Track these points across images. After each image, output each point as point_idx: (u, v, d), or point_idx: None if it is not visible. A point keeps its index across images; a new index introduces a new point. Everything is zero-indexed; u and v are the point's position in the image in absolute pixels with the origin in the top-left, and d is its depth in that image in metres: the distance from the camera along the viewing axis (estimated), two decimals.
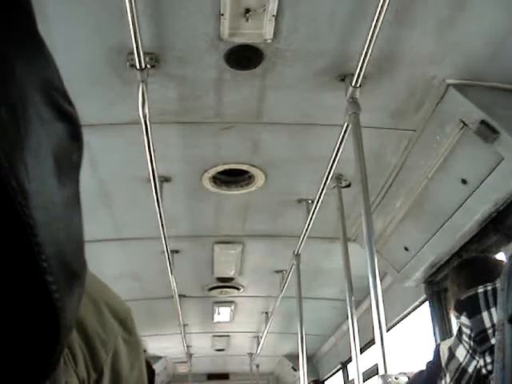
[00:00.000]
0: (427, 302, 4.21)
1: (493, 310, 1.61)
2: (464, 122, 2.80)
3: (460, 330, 1.75)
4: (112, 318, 0.90)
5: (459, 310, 1.75)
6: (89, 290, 0.85)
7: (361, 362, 3.46)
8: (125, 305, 0.98)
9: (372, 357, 5.22)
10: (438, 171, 3.17)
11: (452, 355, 1.77)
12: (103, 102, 2.92)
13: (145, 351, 2.20)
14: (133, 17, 2.18)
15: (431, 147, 3.10)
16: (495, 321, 1.57)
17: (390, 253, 4.12)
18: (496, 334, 1.34)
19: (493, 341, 1.54)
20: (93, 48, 2.57)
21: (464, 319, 1.71)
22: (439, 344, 2.62)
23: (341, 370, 7.16)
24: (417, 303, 4.56)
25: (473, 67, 2.76)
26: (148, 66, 2.57)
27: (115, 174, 3.64)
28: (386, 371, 2.37)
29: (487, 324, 1.61)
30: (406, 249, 3.92)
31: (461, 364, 1.69)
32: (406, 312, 4.81)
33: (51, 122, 0.46)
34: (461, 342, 1.72)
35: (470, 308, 1.70)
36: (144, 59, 2.48)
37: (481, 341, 1.61)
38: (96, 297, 0.88)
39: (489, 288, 1.67)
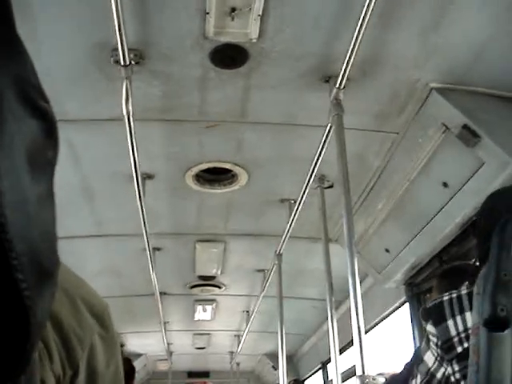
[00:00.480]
0: (407, 303, 4.24)
1: (458, 318, 1.60)
2: (446, 126, 2.82)
3: (427, 337, 1.74)
4: (88, 314, 0.90)
5: (425, 318, 1.75)
6: (65, 286, 0.85)
7: (340, 363, 3.47)
8: (102, 301, 0.97)
9: (352, 357, 5.24)
10: (420, 174, 3.19)
11: (421, 359, 1.76)
12: (87, 97, 2.91)
13: (122, 345, 2.19)
14: (117, 12, 2.17)
15: (413, 150, 3.12)
16: (460, 329, 1.57)
17: (371, 254, 4.14)
18: (471, 337, 1.35)
19: (459, 349, 1.54)
20: (77, 43, 2.55)
21: (430, 327, 1.70)
22: (419, 346, 2.63)
23: (321, 370, 7.19)
24: (397, 304, 4.59)
25: (456, 71, 2.78)
26: (132, 62, 2.55)
27: (98, 171, 3.63)
28: (363, 372, 2.39)
29: (453, 332, 1.60)
30: (387, 250, 3.94)
31: (429, 369, 1.69)
32: (386, 313, 4.84)
33: (25, 118, 0.45)
34: (429, 347, 1.72)
35: (436, 316, 1.69)
36: (128, 55, 2.47)
37: (447, 349, 1.61)
38: (72, 292, 0.87)
39: (454, 295, 1.66)
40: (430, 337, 1.68)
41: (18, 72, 0.47)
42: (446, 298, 1.68)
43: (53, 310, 0.78)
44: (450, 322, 1.62)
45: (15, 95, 0.44)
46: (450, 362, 1.59)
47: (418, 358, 1.79)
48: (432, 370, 1.66)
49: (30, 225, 0.43)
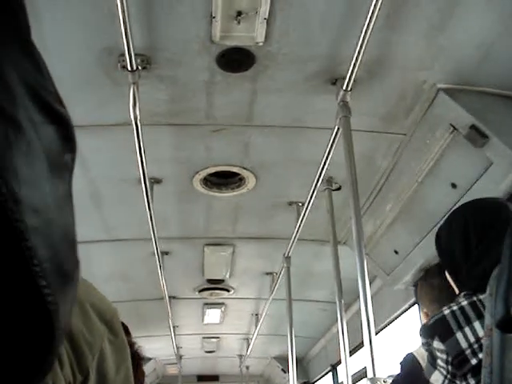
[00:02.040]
0: (416, 305, 4.22)
1: (466, 329, 1.52)
2: (454, 127, 2.81)
3: (433, 356, 1.61)
4: (98, 319, 0.90)
5: (430, 335, 1.63)
6: None
7: (350, 365, 3.47)
8: (111, 306, 0.97)
9: (362, 359, 5.23)
10: (428, 175, 3.18)
11: (427, 382, 1.66)
12: (94, 103, 2.92)
13: (136, 346, 2.19)
14: (124, 18, 2.18)
15: (421, 151, 3.11)
16: (472, 340, 1.50)
17: (380, 256, 4.13)
18: (484, 339, 1.33)
19: (473, 361, 1.47)
20: (84, 49, 2.56)
21: (437, 344, 1.58)
22: (411, 353, 2.60)
23: (330, 373, 7.17)
24: (406, 306, 4.57)
25: (463, 72, 2.77)
26: (139, 67, 2.56)
27: (106, 176, 3.64)
28: (374, 374, 2.38)
29: (464, 345, 1.51)
30: (396, 252, 3.92)
31: None
32: (395, 315, 4.82)
33: (42, 124, 0.46)
34: (435, 368, 1.61)
35: (442, 331, 1.58)
36: (135, 61, 2.48)
37: (460, 364, 1.50)
38: (81, 298, 0.87)
39: (455, 308, 1.58)
40: (438, 354, 1.58)
41: (35, 77, 0.47)
42: (446, 311, 1.60)
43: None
44: (459, 335, 1.53)
45: (32, 101, 0.45)
46: (463, 377, 1.51)
47: (410, 366, 1.70)
48: None
49: (50, 230, 0.43)
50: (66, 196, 0.48)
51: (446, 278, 2.45)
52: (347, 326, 3.42)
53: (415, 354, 2.55)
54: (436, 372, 1.59)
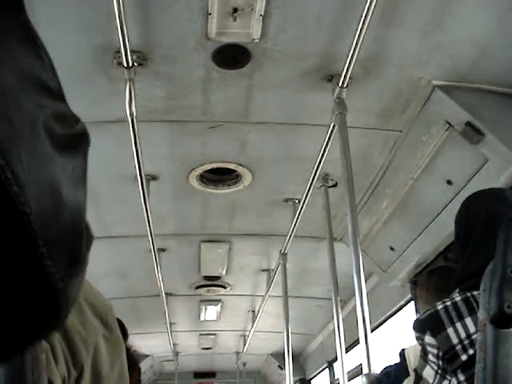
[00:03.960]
0: (413, 301, 4.23)
1: (458, 324, 1.52)
2: (450, 124, 2.82)
3: (424, 351, 1.62)
4: (93, 316, 0.90)
5: (422, 330, 1.64)
6: None
7: (347, 361, 3.47)
8: (106, 302, 0.98)
9: (359, 356, 5.23)
10: (424, 172, 3.19)
11: (419, 377, 1.66)
12: (90, 99, 2.91)
13: (132, 349, 2.18)
14: (120, 15, 2.18)
15: (417, 148, 3.12)
16: (463, 336, 1.50)
17: (376, 252, 4.14)
18: (478, 334, 1.34)
19: (463, 357, 1.47)
20: (80, 46, 2.56)
21: (428, 338, 1.59)
22: (404, 349, 2.63)
23: (327, 369, 7.18)
24: (402, 303, 4.58)
25: (459, 69, 2.78)
26: (135, 64, 2.56)
27: (102, 172, 3.63)
28: (370, 370, 2.39)
29: (455, 340, 1.51)
30: (392, 248, 3.94)
31: None
32: (391, 311, 4.84)
33: (47, 107, 0.46)
34: (427, 362, 1.61)
35: (434, 326, 1.57)
36: (131, 57, 2.48)
37: (450, 359, 1.51)
38: None
39: (448, 303, 1.58)
40: (429, 349, 1.58)
41: (39, 71, 0.48)
42: (440, 306, 1.60)
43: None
44: (450, 330, 1.54)
45: (36, 88, 0.45)
46: (454, 372, 1.51)
47: (416, 377, 1.71)
48: None
49: (56, 213, 0.44)
50: (75, 177, 0.49)
51: (442, 279, 2.48)
52: (344, 322, 3.43)
53: (406, 351, 2.58)
54: (427, 367, 1.59)
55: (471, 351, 1.46)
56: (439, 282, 2.48)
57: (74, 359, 0.83)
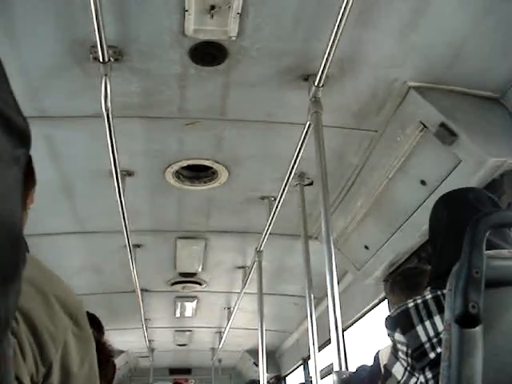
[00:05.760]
0: (386, 300, 4.27)
1: (427, 323, 1.53)
2: (424, 124, 2.85)
3: (395, 348, 1.63)
4: (62, 312, 0.89)
5: (392, 327, 1.66)
6: (38, 282, 0.85)
7: (321, 359, 3.50)
8: (76, 298, 0.97)
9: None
10: (398, 172, 3.22)
11: (389, 373, 1.67)
12: (66, 94, 2.89)
13: (107, 344, 2.18)
14: (96, 9, 2.16)
15: (392, 148, 3.15)
16: (431, 334, 1.52)
17: (351, 251, 4.17)
18: (443, 333, 1.36)
19: (431, 355, 1.49)
20: (56, 40, 2.54)
21: (398, 336, 1.60)
22: (379, 351, 2.67)
23: (302, 366, 7.21)
24: (376, 301, 4.62)
25: (434, 70, 2.81)
26: (111, 59, 2.55)
27: (77, 167, 3.61)
28: (340, 368, 2.41)
29: (423, 338, 1.52)
30: (367, 247, 3.97)
31: (399, 382, 1.61)
32: (365, 309, 4.87)
33: None
34: (397, 359, 1.61)
35: (403, 323, 1.59)
36: (107, 52, 2.46)
37: (419, 357, 1.52)
38: (45, 289, 0.87)
39: (419, 301, 1.60)
40: (399, 346, 1.60)
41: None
42: (410, 304, 1.62)
43: (25, 306, 0.78)
44: (419, 328, 1.55)
45: None
46: (422, 370, 1.53)
47: (386, 373, 1.73)
48: (402, 382, 1.59)
49: None
50: (12, 190, 0.48)
51: (404, 279, 2.52)
52: (319, 320, 3.45)
53: (380, 353, 2.61)
54: (397, 363, 1.61)
55: (439, 349, 1.47)
56: (402, 283, 2.52)
57: (42, 356, 0.83)
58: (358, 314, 4.96)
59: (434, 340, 1.51)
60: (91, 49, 2.55)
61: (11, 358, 0.72)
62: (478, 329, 1.24)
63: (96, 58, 2.52)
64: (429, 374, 1.50)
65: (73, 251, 4.77)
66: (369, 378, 2.67)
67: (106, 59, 2.49)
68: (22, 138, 0.53)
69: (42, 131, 3.11)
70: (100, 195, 3.85)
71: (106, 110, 2.69)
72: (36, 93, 2.78)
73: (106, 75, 2.57)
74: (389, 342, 2.60)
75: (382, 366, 2.54)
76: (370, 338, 5.51)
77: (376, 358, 2.64)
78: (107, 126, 2.80)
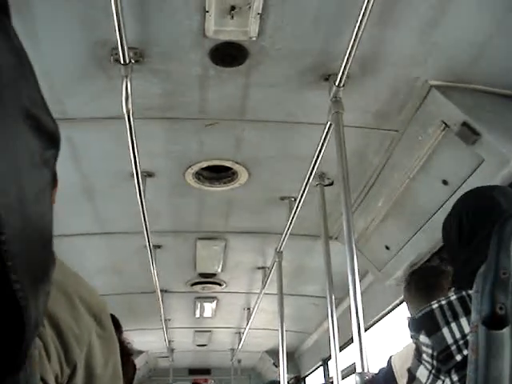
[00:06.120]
0: None
1: (453, 324, 1.51)
2: (446, 124, 2.82)
3: (418, 350, 1.60)
4: (86, 313, 0.89)
5: (417, 329, 1.63)
6: (63, 284, 0.85)
7: (341, 359, 3.48)
8: (100, 299, 0.97)
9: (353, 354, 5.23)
10: (420, 172, 3.19)
11: (413, 377, 1.64)
12: (87, 96, 2.91)
13: (126, 342, 2.20)
14: (117, 11, 2.17)
15: (413, 148, 3.12)
16: (457, 336, 1.49)
17: (372, 251, 4.14)
18: (470, 335, 1.34)
19: (458, 357, 1.46)
20: (77, 42, 2.55)
21: (423, 338, 1.57)
22: (391, 356, 2.64)
23: (322, 367, 7.19)
24: (397, 302, 4.59)
25: (455, 69, 2.78)
26: (132, 61, 2.56)
27: (98, 169, 3.63)
28: (363, 369, 2.40)
29: (449, 340, 1.49)
30: (387, 248, 3.94)
31: None
32: (386, 310, 4.84)
33: (25, 131, 0.46)
34: (421, 362, 1.58)
35: (429, 326, 1.56)
36: (128, 54, 2.47)
37: (445, 359, 1.49)
38: (70, 291, 0.87)
39: (443, 303, 1.57)
40: (424, 349, 1.57)
41: (28, 93, 0.47)
42: (435, 305, 1.59)
43: (50, 308, 0.79)
44: (445, 330, 1.52)
45: (23, 116, 0.45)
46: (447, 372, 1.50)
47: (410, 376, 1.70)
48: None
49: (25, 226, 0.43)
50: (43, 192, 0.48)
51: (421, 278, 2.49)
52: (339, 320, 3.44)
53: (393, 358, 2.58)
54: (421, 366, 1.58)
55: (466, 352, 1.45)
56: (420, 282, 2.50)
57: (67, 357, 0.83)
58: (379, 315, 4.93)
59: (461, 342, 1.49)
60: (112, 50, 2.56)
61: (36, 359, 0.72)
62: (506, 330, 1.22)
63: (117, 60, 2.53)
64: (455, 377, 1.47)
65: (93, 252, 4.80)
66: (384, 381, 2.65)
67: (127, 61, 2.50)
68: (52, 139, 0.54)
69: (63, 133, 3.04)
70: (120, 196, 3.87)
71: (127, 111, 2.70)
72: (57, 95, 2.80)
73: (126, 77, 2.58)
74: (402, 347, 2.59)
75: (394, 371, 2.52)
76: (389, 339, 5.48)
77: (389, 363, 2.62)
78: (128, 127, 2.81)
